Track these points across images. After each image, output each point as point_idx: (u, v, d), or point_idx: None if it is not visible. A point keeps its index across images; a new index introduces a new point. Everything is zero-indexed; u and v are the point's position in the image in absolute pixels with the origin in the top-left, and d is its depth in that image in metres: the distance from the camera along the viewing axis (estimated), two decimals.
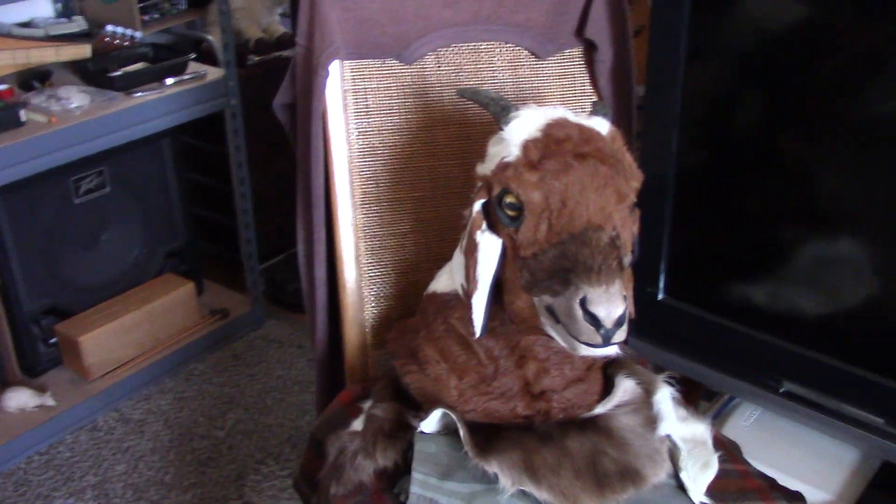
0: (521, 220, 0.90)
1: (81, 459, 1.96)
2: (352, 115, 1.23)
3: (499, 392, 1.02)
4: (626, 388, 1.07)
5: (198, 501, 1.84)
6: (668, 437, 1.02)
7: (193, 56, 2.19)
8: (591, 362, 1.06)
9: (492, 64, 1.26)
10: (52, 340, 2.13)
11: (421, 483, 0.97)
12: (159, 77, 2.06)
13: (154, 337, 2.23)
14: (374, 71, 1.22)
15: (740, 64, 1.19)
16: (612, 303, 0.83)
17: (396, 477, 1.02)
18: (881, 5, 1.03)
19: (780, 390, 1.25)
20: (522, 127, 0.93)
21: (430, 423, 1.02)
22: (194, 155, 2.44)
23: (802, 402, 1.23)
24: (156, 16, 2.42)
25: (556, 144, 0.90)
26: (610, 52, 1.25)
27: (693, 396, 1.58)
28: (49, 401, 2.03)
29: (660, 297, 1.31)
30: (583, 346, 0.87)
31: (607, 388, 1.08)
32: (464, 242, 0.99)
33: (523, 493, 0.95)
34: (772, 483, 1.08)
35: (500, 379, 1.02)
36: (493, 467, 0.94)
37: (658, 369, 1.41)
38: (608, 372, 1.10)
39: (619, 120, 1.29)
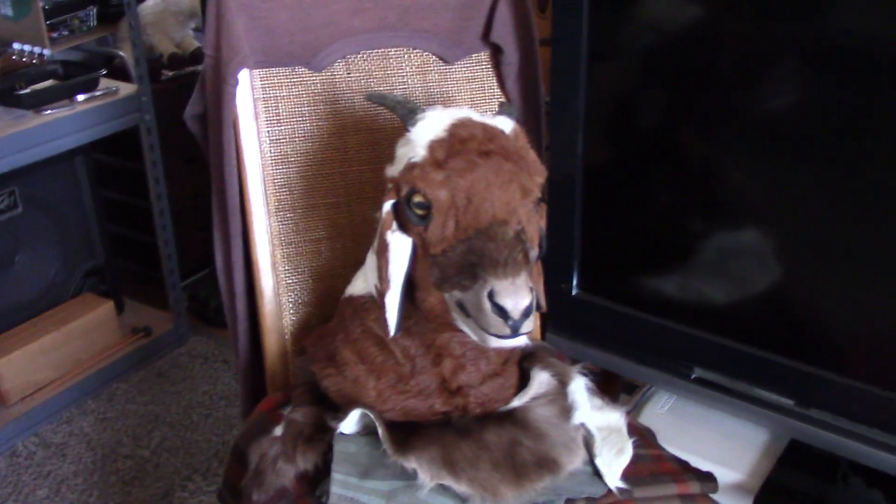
0: (429, 219, 0.92)
1: (0, 486, 1.91)
2: (263, 124, 1.23)
3: (416, 390, 1.04)
4: (541, 380, 1.09)
5: None
6: (583, 425, 1.05)
7: (105, 72, 2.16)
8: (506, 357, 1.08)
9: (401, 69, 1.28)
10: None
11: (341, 483, 0.98)
12: (70, 94, 2.03)
13: (74, 358, 2.19)
14: (285, 79, 1.23)
15: (638, 65, 1.23)
16: (518, 294, 0.85)
17: (318, 480, 1.02)
18: (769, 4, 1.09)
19: (692, 376, 1.29)
20: (428, 128, 0.95)
21: (349, 423, 1.03)
22: (110, 172, 2.41)
23: (713, 387, 1.28)
24: (65, 33, 2.38)
25: (461, 143, 0.92)
26: (516, 56, 1.28)
27: (612, 388, 1.62)
28: None
29: (573, 292, 1.35)
30: (493, 339, 0.89)
31: (523, 382, 1.10)
32: (376, 244, 1.00)
33: (443, 488, 0.96)
34: (685, 465, 1.12)
35: (418, 377, 1.03)
36: (411, 463, 0.96)
37: (574, 362, 1.45)
38: (524, 366, 1.12)
39: (527, 121, 1.32)
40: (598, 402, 1.13)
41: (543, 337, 1.40)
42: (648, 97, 1.25)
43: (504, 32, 1.27)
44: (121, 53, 2.36)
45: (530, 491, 0.98)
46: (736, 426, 1.31)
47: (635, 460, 1.07)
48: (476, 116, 0.96)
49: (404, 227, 0.96)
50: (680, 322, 1.28)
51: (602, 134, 1.28)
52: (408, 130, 0.97)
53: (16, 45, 2.20)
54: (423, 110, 0.99)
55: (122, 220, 2.49)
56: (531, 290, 0.87)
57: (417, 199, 0.92)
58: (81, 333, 2.20)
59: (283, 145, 1.24)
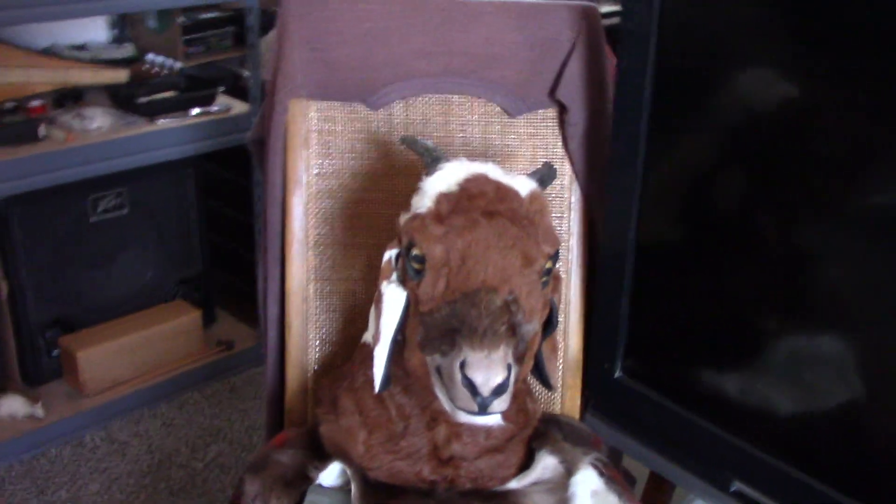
0: (423, 274, 0.87)
1: (59, 474, 1.97)
2: (314, 156, 1.22)
3: (406, 452, 0.98)
4: (546, 464, 1.02)
5: None
6: None
7: (223, 89, 2.23)
8: (512, 433, 1.01)
9: (462, 117, 1.24)
10: (56, 353, 2.16)
11: None
12: (185, 106, 2.11)
13: (154, 361, 2.24)
14: (340, 113, 1.22)
15: (710, 138, 1.13)
16: (491, 369, 0.79)
17: None
18: (869, 86, 0.97)
19: (731, 489, 1.16)
20: (442, 179, 0.91)
21: (329, 475, 0.99)
22: (218, 185, 2.48)
23: None
24: (200, 49, 2.48)
25: (468, 200, 0.87)
26: (582, 116, 1.22)
27: (663, 492, 1.50)
28: (39, 412, 2.05)
29: (616, 374, 1.25)
30: (461, 413, 0.82)
31: (529, 462, 1.03)
32: (376, 294, 0.96)
33: None
34: None
35: (409, 438, 0.98)
36: None
37: (613, 451, 1.35)
38: (533, 445, 1.05)
39: (589, 188, 1.25)
40: (612, 499, 1.03)
41: (583, 417, 1.31)
42: (722, 174, 1.15)
43: (572, 91, 1.20)
44: (245, 73, 2.43)
45: None
46: None
47: None
48: (494, 174, 0.91)
49: (403, 280, 0.91)
50: (725, 426, 1.16)
51: (662, 209, 1.19)
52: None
53: (150, 57, 2.32)
54: (447, 160, 0.94)
55: (223, 232, 2.55)
56: (509, 367, 0.80)
57: (415, 251, 0.88)
58: (166, 338, 2.26)
59: (330, 179, 1.22)
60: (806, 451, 1.11)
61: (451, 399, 0.81)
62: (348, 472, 0.96)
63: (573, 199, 1.25)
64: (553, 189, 1.24)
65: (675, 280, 1.20)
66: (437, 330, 0.84)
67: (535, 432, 1.06)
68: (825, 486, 1.07)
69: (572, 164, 1.24)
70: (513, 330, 0.82)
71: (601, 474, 1.03)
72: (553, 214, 1.25)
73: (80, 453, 2.04)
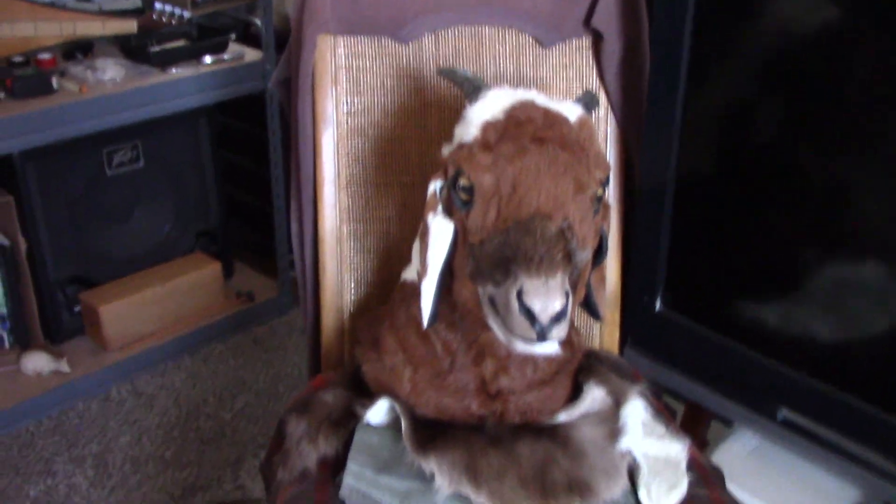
0: (471, 205, 0.85)
1: (88, 428, 1.97)
2: (342, 94, 1.19)
3: (453, 388, 0.97)
4: (594, 396, 1.01)
5: (193, 480, 1.82)
6: (630, 452, 0.95)
7: (233, 37, 2.19)
8: (559, 366, 1.00)
9: (493, 49, 1.20)
10: (77, 309, 2.16)
11: (355, 475, 0.92)
12: (197, 55, 2.07)
13: (176, 314, 2.24)
14: (369, 49, 1.18)
15: (750, 67, 1.10)
16: (549, 296, 0.77)
17: (338, 467, 0.97)
18: None
19: (778, 417, 1.15)
20: (486, 108, 0.88)
21: (377, 413, 0.98)
22: (233, 136, 2.44)
23: (801, 433, 1.14)
24: None
25: (516, 127, 0.84)
26: (618, 45, 1.18)
27: (699, 422, 1.49)
28: (64, 367, 2.05)
29: (657, 307, 1.23)
30: (518, 342, 0.81)
31: (576, 395, 1.01)
32: (421, 227, 0.94)
33: (463, 497, 0.89)
34: None
35: (456, 374, 0.96)
36: (430, 465, 0.89)
37: (654, 385, 1.34)
38: (579, 378, 1.03)
39: (627, 118, 1.22)
40: (660, 429, 1.02)
41: (621, 352, 1.30)
42: (764, 103, 1.12)
43: (607, 19, 1.17)
44: (256, 21, 2.38)
45: None
46: (823, 481, 1.17)
47: (689, 500, 0.96)
48: (541, 100, 0.88)
49: (449, 212, 0.89)
50: (770, 355, 1.14)
51: (703, 140, 1.16)
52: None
53: (158, 6, 2.27)
54: (489, 88, 0.91)
55: (240, 185, 2.53)
56: (567, 294, 0.78)
57: (463, 182, 0.85)
58: (186, 291, 2.25)
59: (360, 117, 1.19)
60: (852, 374, 1.09)
61: (509, 329, 0.79)
62: (397, 408, 0.94)
63: (609, 131, 1.23)
64: None
65: (716, 212, 1.18)
66: (489, 260, 0.82)
67: (580, 365, 1.04)
68: (874, 407, 1.06)
69: (608, 95, 1.21)
70: (568, 257, 0.80)
71: (650, 407, 1.02)
72: None
73: (107, 407, 2.05)
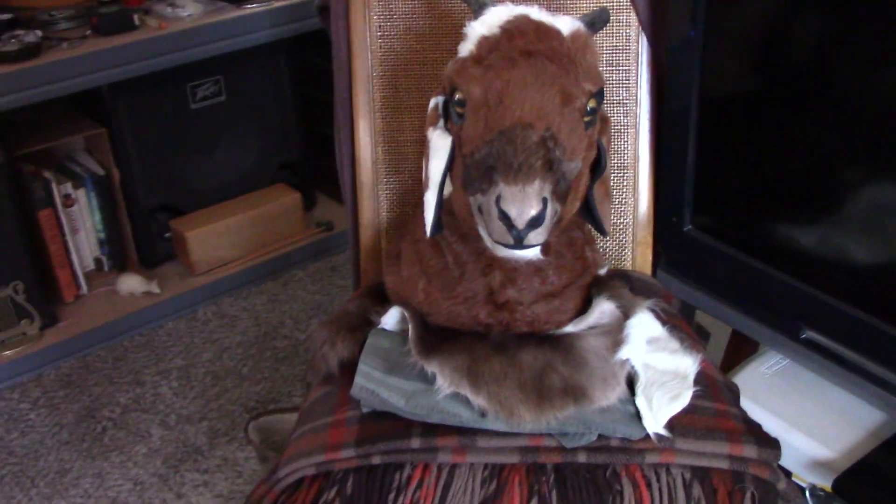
0: (465, 117, 0.88)
1: (175, 344, 2.13)
2: (376, 17, 1.23)
3: (462, 297, 1.01)
4: (603, 310, 1.03)
5: (265, 393, 1.95)
6: (628, 361, 0.98)
7: None
8: (570, 279, 1.03)
9: None
10: (167, 235, 2.30)
11: (365, 375, 0.99)
12: None
13: (259, 241, 2.35)
14: None
15: None
16: (525, 202, 0.80)
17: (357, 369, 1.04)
18: None
19: (801, 336, 1.15)
20: (484, 23, 0.91)
21: (389, 319, 1.03)
22: (313, 71, 2.52)
23: (824, 353, 1.14)
24: None
25: (508, 40, 0.87)
26: None
27: (745, 351, 1.49)
28: (155, 288, 2.20)
29: (685, 227, 1.24)
30: (499, 247, 0.84)
31: (587, 308, 1.04)
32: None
33: (464, 398, 0.94)
34: (751, 427, 1.01)
35: (465, 284, 1.01)
36: (432, 367, 0.94)
37: (686, 306, 1.35)
38: (592, 293, 1.06)
39: (656, 36, 1.22)
40: (674, 345, 1.04)
41: (654, 273, 1.31)
42: (798, 13, 1.10)
43: None
44: None
45: (550, 417, 0.93)
46: (846, 402, 1.16)
47: (692, 411, 0.98)
48: (537, 14, 0.90)
49: (449, 126, 0.93)
50: (792, 274, 1.14)
51: (731, 56, 1.15)
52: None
53: None
54: (493, 5, 0.94)
55: (319, 119, 2.60)
56: (544, 200, 0.81)
57: (458, 95, 0.89)
58: (268, 219, 2.36)
59: (393, 41, 1.23)
60: (876, 296, 1.08)
61: (489, 233, 0.83)
62: (406, 314, 1.00)
63: (641, 51, 1.22)
64: (619, 41, 1.22)
65: (745, 131, 1.17)
66: (477, 169, 0.85)
67: (595, 281, 1.07)
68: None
69: (637, 13, 1.21)
70: (549, 165, 0.82)
71: (663, 322, 1.03)
72: (620, 67, 1.22)
73: (193, 326, 2.19)
